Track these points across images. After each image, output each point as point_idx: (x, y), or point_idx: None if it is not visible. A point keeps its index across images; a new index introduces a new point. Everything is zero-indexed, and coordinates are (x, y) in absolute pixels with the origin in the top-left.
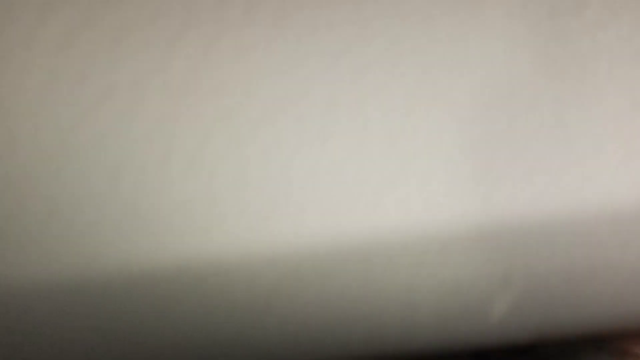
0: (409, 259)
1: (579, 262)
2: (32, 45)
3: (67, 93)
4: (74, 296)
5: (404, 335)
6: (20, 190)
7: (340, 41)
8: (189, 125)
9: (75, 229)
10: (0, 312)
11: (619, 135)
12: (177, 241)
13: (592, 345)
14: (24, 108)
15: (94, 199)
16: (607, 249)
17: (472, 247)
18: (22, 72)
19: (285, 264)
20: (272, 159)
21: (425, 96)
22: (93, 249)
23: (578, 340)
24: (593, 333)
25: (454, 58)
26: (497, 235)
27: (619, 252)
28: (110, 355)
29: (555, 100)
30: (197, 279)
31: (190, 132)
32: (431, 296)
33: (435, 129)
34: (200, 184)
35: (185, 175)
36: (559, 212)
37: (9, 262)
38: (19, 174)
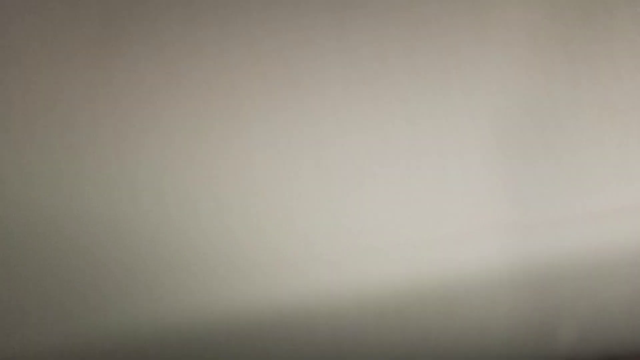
0: (485, 297)
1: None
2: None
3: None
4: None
5: None
6: (83, 257)
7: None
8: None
9: (125, 290)
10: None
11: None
12: (225, 293)
13: None
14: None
15: (143, 261)
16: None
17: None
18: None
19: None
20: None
21: (453, 141)
22: (141, 307)
23: None
24: None
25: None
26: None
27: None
28: None
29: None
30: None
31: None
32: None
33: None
34: (244, 238)
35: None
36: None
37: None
38: (82, 247)
